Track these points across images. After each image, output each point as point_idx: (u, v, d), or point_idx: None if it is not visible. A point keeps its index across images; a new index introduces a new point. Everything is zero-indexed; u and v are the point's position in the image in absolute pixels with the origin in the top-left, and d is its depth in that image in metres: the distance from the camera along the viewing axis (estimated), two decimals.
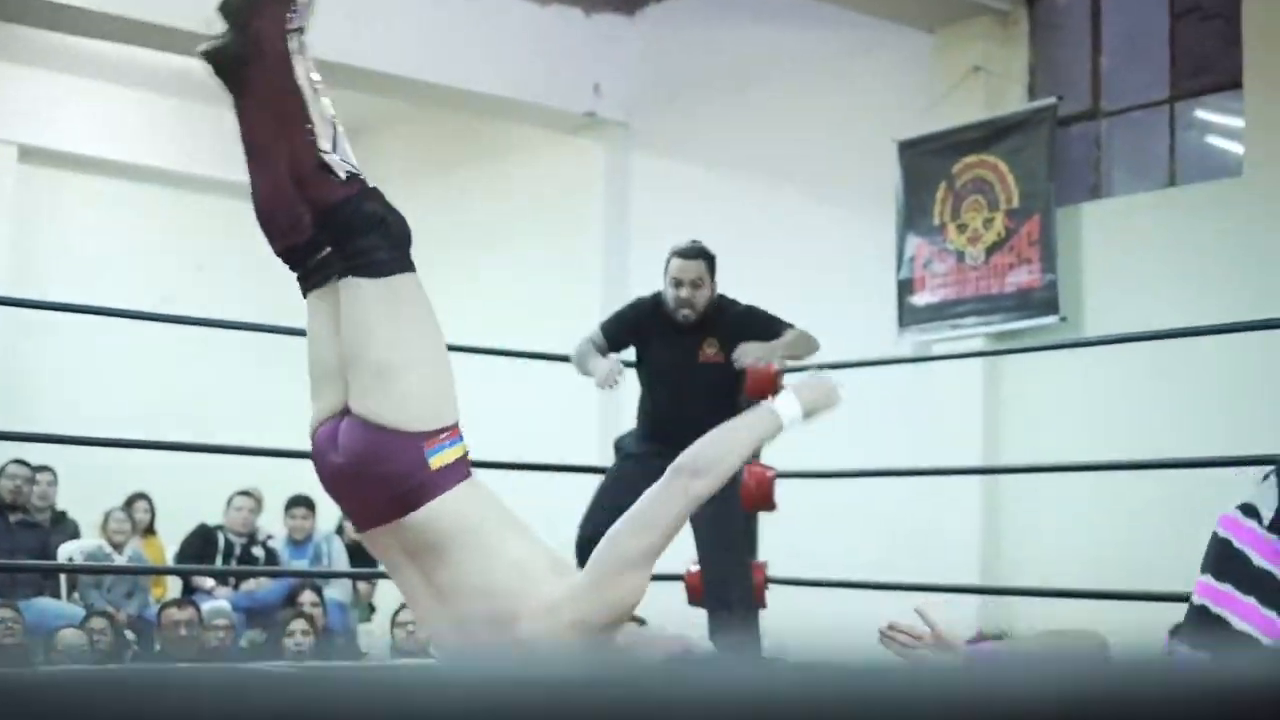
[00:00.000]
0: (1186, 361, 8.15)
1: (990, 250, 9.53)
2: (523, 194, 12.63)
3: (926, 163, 9.88)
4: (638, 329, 5.84)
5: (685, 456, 3.13)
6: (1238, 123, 8.96)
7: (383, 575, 9.00)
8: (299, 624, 7.74)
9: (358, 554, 9.47)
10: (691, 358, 5.73)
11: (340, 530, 9.80)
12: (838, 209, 10.48)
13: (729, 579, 5.72)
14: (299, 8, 3.26)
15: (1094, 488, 8.31)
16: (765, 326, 5.88)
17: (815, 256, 10.45)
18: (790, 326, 5.92)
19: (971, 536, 9.26)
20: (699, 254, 5.80)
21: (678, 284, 5.75)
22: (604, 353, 5.85)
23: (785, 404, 3.20)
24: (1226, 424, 7.95)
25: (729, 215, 10.71)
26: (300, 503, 9.69)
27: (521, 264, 12.38)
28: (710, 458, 3.14)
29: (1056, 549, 8.78)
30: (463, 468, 3.21)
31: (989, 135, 9.58)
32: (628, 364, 5.94)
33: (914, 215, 9.92)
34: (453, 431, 3.21)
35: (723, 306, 5.85)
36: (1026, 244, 9.36)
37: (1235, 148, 9.02)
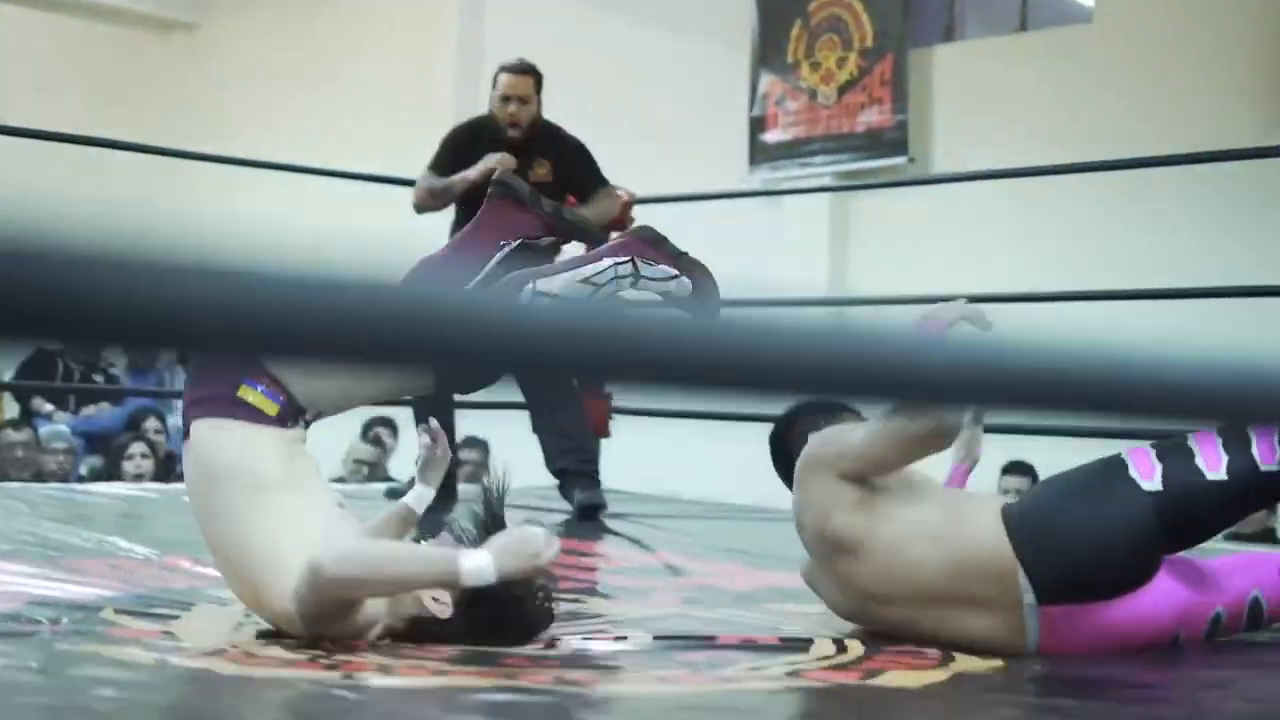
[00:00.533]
0: (1027, 203, 8.27)
1: (842, 89, 9.55)
2: (372, 16, 12.42)
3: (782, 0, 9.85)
4: (461, 156, 5.78)
5: (337, 555, 2.89)
6: None
7: None
8: (138, 447, 7.65)
9: None
10: (521, 178, 5.69)
11: (183, 359, 9.66)
12: (693, 43, 10.42)
13: (559, 406, 5.70)
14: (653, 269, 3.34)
15: None
16: (588, 170, 5.87)
17: (669, 90, 10.41)
18: (605, 184, 5.90)
19: None
20: (528, 70, 5.79)
21: (506, 100, 5.72)
22: None
23: (475, 562, 2.85)
24: (1066, 261, 8.11)
25: (584, 46, 10.61)
26: None
27: (371, 90, 12.20)
28: (360, 568, 2.89)
29: None
30: (261, 417, 3.13)
31: None
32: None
33: (768, 52, 9.90)
34: (284, 401, 3.14)
35: (551, 131, 5.83)
36: (878, 84, 9.39)
37: None
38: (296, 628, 2.97)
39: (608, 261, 3.36)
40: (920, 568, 3.05)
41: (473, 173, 5.64)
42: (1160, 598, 2.98)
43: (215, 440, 3.12)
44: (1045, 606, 2.97)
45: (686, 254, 3.45)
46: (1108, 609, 2.96)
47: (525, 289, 3.27)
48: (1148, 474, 2.99)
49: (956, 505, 3.11)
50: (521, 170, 5.70)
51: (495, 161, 5.59)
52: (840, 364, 1.01)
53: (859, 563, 3.12)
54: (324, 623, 2.95)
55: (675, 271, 3.40)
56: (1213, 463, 2.99)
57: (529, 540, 2.92)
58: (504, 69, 5.81)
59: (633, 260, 3.36)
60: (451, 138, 5.92)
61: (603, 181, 5.90)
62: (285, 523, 3.03)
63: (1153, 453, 3.03)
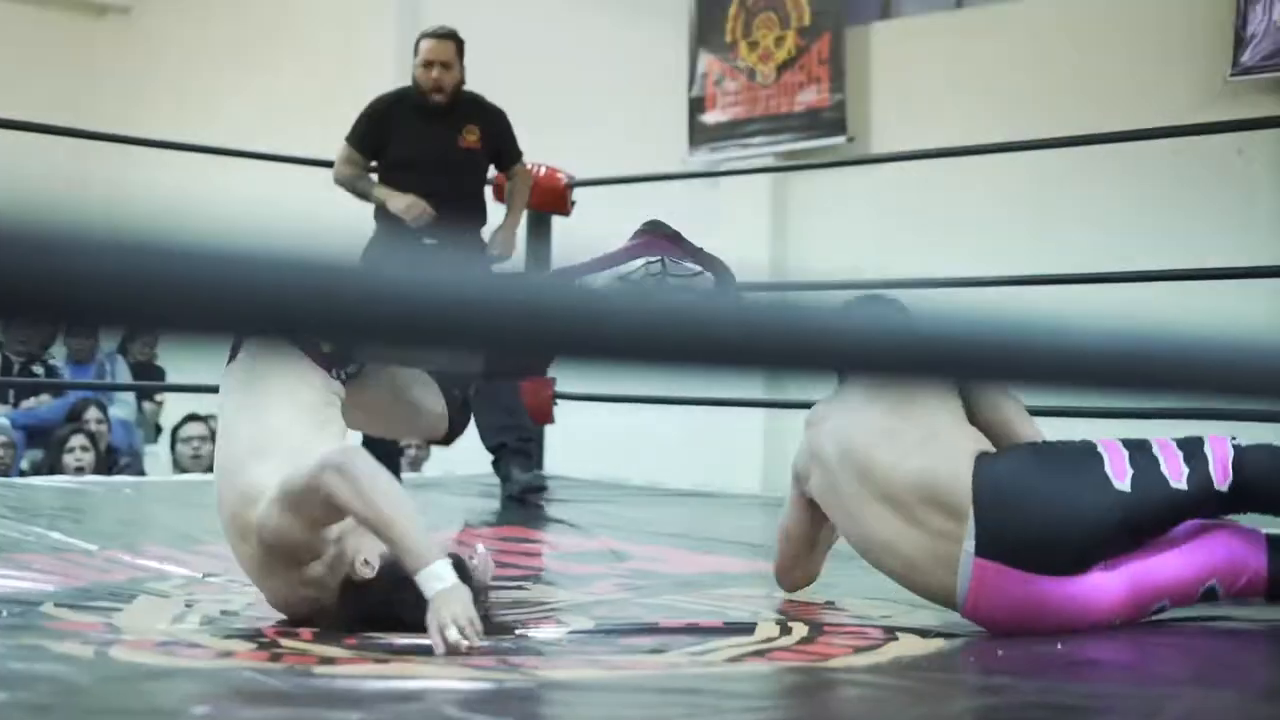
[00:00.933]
0: (967, 181, 8.30)
1: (781, 69, 9.55)
2: (310, 3, 12.36)
3: None
4: (386, 125, 5.81)
5: (352, 463, 2.95)
6: None
7: (169, 389, 8.89)
8: (78, 439, 7.59)
9: (142, 375, 9.31)
10: (452, 143, 5.77)
11: (123, 350, 9.59)
12: (631, 24, 10.40)
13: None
14: None
15: None
16: (512, 141, 5.95)
17: (607, 71, 10.38)
18: (521, 156, 5.98)
19: None
20: (449, 34, 5.86)
21: (428, 65, 5.77)
22: (363, 166, 5.83)
23: (442, 572, 2.85)
24: (1006, 243, 8.14)
25: (523, 27, 10.59)
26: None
27: (309, 70, 12.13)
28: (369, 485, 2.91)
29: None
30: (314, 348, 3.29)
31: None
32: (371, 170, 5.91)
33: (706, 32, 9.89)
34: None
35: (474, 98, 5.90)
36: (816, 63, 9.40)
37: None
38: (257, 518, 3.01)
39: (641, 260, 3.49)
40: (891, 467, 3.14)
41: (391, 205, 5.68)
42: (1099, 591, 3.02)
43: (268, 357, 3.25)
44: (980, 559, 3.01)
45: (703, 249, 3.58)
46: (1040, 581, 3.00)
47: None
48: (1120, 475, 3.04)
49: (950, 434, 3.15)
50: (451, 135, 5.76)
51: (412, 216, 5.63)
52: (787, 339, 1.02)
53: (870, 424, 3.17)
54: (284, 527, 2.97)
55: (699, 268, 3.54)
56: (1175, 473, 3.05)
57: (470, 617, 2.84)
58: (425, 35, 5.88)
59: (662, 259, 3.49)
60: (371, 110, 5.92)
61: (520, 154, 5.99)
62: (303, 426, 3.16)
63: (1125, 453, 3.08)
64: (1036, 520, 3.01)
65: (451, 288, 0.90)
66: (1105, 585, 3.02)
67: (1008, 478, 3.06)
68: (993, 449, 3.17)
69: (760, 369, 1.12)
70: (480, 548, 3.33)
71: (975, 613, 3.08)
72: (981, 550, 3.01)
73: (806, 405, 3.55)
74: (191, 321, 0.84)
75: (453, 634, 2.78)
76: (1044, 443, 3.20)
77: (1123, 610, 3.04)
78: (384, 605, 2.95)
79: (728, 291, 3.58)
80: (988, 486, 3.04)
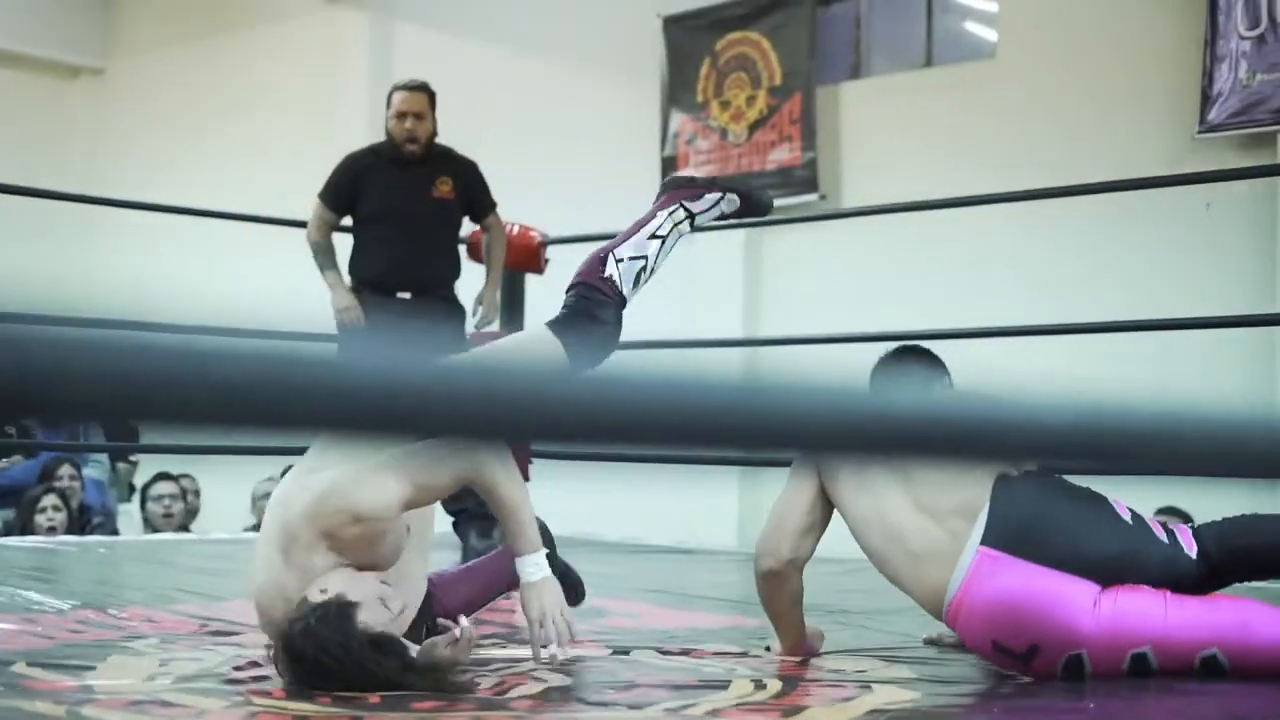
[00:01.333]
0: (939, 237, 8.34)
1: (753, 128, 9.62)
2: (281, 59, 12.39)
3: (691, 38, 9.92)
4: (359, 180, 5.87)
5: (500, 455, 3.11)
6: (992, 7, 9.15)
7: (144, 449, 8.85)
8: (50, 499, 7.55)
9: (115, 434, 9.27)
10: (424, 194, 5.84)
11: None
12: (603, 84, 10.46)
13: None
14: None
15: (848, 359, 8.48)
16: (484, 190, 6.05)
17: (580, 132, 10.44)
18: (494, 206, 6.05)
19: None
20: (421, 86, 5.96)
21: (401, 116, 5.85)
22: (335, 224, 5.88)
23: (538, 563, 3.16)
24: (976, 296, 8.18)
25: (495, 87, 10.64)
26: None
27: (280, 137, 12.15)
28: (517, 474, 3.15)
29: None
30: None
31: (752, 12, 9.64)
32: (345, 229, 5.96)
33: (678, 91, 9.96)
34: None
35: (446, 150, 5.99)
36: (788, 122, 9.46)
37: (989, 32, 9.21)
38: (332, 483, 3.02)
39: (663, 214, 3.61)
40: (928, 474, 3.24)
41: (331, 298, 5.81)
42: (1078, 597, 3.04)
43: None
44: (984, 546, 3.06)
45: (715, 178, 3.72)
46: (1030, 569, 3.04)
47: (608, 261, 3.50)
48: (1122, 510, 3.20)
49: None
50: (424, 186, 5.83)
51: (342, 320, 5.73)
52: (750, 418, 1.02)
53: None
54: (389, 493, 3.01)
55: (718, 194, 3.68)
56: (1158, 530, 3.19)
57: (564, 611, 3.14)
58: (397, 87, 5.97)
59: (680, 204, 3.62)
60: (344, 166, 5.96)
61: (494, 204, 6.06)
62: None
63: (1122, 502, 3.24)
64: (1044, 515, 3.13)
65: (402, 378, 0.89)
66: (1085, 596, 3.04)
67: (1023, 484, 3.19)
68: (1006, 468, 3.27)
69: (734, 449, 1.13)
70: (464, 621, 3.33)
71: (959, 609, 3.11)
72: (987, 539, 3.09)
73: (782, 464, 3.57)
74: (146, 414, 0.83)
75: (552, 650, 3.09)
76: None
77: (1094, 632, 3.03)
78: (307, 635, 2.91)
79: (759, 199, 3.74)
80: (1003, 489, 3.18)
